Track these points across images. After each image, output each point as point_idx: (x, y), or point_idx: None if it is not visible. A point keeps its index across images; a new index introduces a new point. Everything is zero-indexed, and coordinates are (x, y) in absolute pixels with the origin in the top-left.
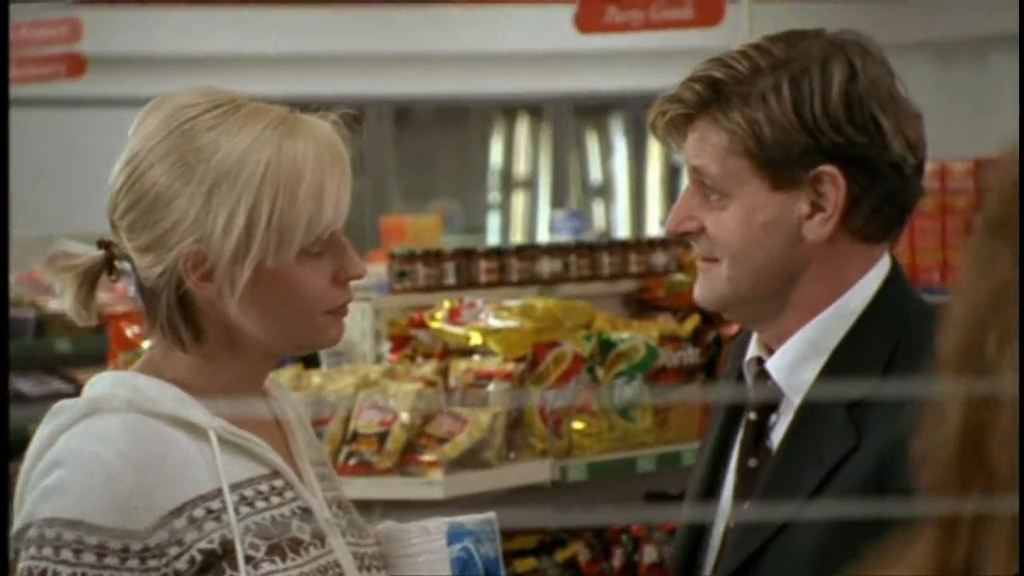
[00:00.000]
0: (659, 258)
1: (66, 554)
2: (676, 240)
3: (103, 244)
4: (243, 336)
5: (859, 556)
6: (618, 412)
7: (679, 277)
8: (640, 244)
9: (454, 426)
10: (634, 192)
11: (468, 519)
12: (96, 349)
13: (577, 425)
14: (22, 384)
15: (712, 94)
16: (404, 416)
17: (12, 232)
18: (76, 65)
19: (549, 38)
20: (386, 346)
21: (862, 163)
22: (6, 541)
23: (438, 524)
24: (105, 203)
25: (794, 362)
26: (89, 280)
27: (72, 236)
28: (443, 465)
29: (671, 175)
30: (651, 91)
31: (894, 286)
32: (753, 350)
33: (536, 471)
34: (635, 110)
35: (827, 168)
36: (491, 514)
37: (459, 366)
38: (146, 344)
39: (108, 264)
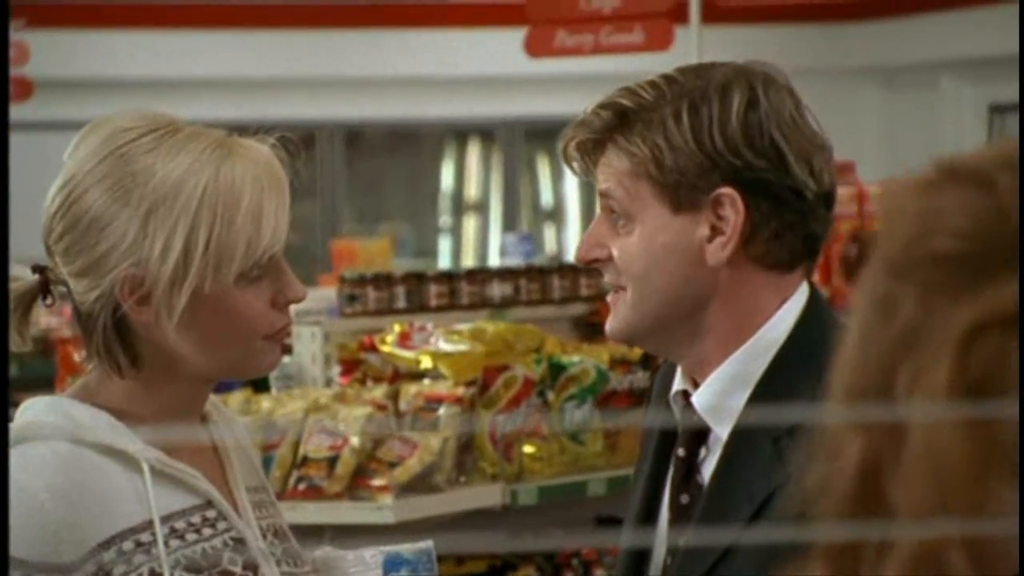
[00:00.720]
0: None
1: None
2: (590, 269)
3: (37, 269)
4: (180, 361)
5: None
6: (569, 436)
7: None
8: (590, 268)
9: (404, 450)
10: (585, 216)
11: (405, 548)
12: (43, 374)
13: (528, 449)
14: None
15: (617, 120)
16: (354, 440)
17: None
18: (23, 89)
19: (500, 62)
20: (336, 370)
21: (762, 187)
22: (6, 542)
23: (374, 553)
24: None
25: (718, 396)
26: (23, 305)
27: (23, 260)
28: (393, 489)
29: None
30: None
31: (813, 314)
32: (678, 383)
33: (486, 495)
34: None
35: (726, 190)
36: (428, 542)
37: (409, 390)
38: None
39: (43, 289)
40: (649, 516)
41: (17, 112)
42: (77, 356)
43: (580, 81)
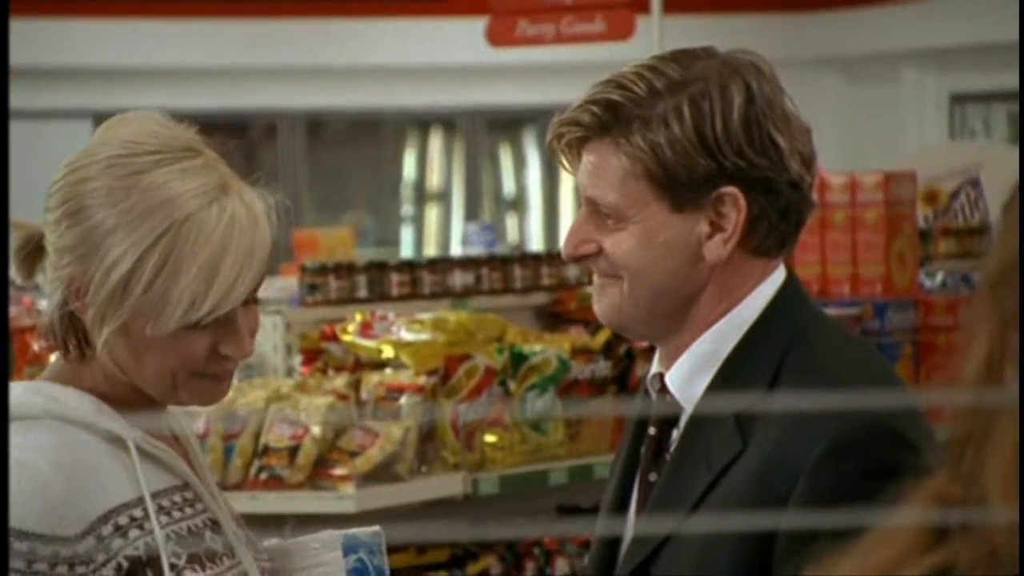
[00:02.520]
0: (571, 271)
1: None
2: (552, 258)
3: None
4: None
5: (744, 554)
6: (530, 425)
7: (591, 290)
8: (552, 257)
9: (366, 440)
10: (547, 205)
11: (359, 531)
12: None
13: (489, 438)
14: None
15: (611, 117)
16: (315, 430)
17: None
18: None
19: (462, 51)
20: (297, 359)
21: (762, 183)
22: (6, 541)
23: (332, 536)
24: (25, 216)
25: (689, 374)
26: (31, 245)
27: None
28: (355, 479)
29: None
30: (564, 105)
31: (787, 295)
32: (656, 366)
33: (448, 484)
34: (548, 124)
35: (728, 189)
36: (377, 527)
37: (371, 379)
38: (53, 357)
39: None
40: (623, 502)
41: None
42: (36, 346)
43: (542, 70)
